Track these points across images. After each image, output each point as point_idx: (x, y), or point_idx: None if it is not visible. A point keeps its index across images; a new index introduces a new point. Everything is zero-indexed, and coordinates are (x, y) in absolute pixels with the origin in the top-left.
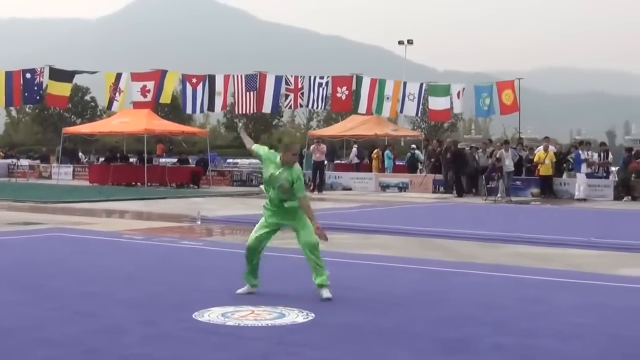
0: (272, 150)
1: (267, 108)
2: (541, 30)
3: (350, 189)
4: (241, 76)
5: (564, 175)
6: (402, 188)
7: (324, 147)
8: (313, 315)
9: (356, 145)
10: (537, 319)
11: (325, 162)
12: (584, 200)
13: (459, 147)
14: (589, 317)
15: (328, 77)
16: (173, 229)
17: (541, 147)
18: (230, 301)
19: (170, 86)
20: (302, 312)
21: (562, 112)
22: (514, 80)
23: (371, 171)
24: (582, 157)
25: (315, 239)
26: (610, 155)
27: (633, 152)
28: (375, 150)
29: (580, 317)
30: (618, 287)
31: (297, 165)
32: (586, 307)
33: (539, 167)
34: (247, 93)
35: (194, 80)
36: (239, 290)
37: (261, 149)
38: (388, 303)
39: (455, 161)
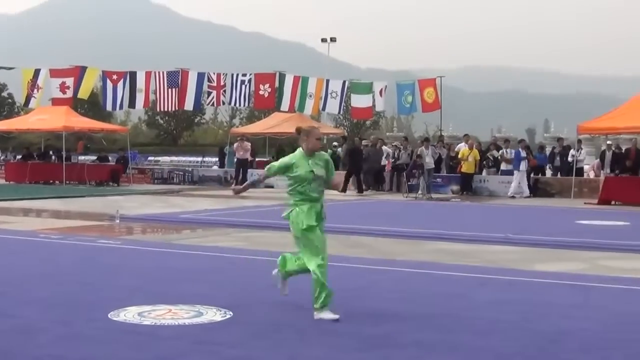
0: (293, 155)
1: (189, 105)
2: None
3: (272, 187)
4: (163, 73)
5: (484, 173)
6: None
7: (247, 144)
8: (231, 313)
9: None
10: (456, 315)
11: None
12: (529, 196)
13: (360, 143)
14: (507, 313)
15: (251, 74)
16: (91, 227)
17: (464, 144)
18: (147, 300)
19: (90, 83)
20: (220, 311)
21: (483, 110)
22: (435, 79)
23: None
24: (522, 155)
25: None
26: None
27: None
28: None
29: (498, 313)
30: (534, 283)
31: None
32: (504, 303)
33: (461, 164)
34: (169, 90)
35: (115, 77)
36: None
37: (277, 163)
38: (307, 300)
39: (352, 158)
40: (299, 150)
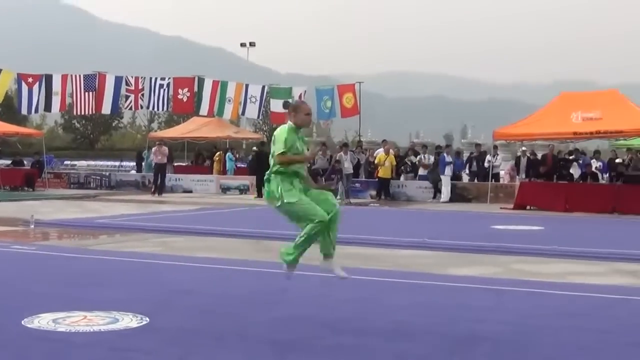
0: (282, 129)
1: (106, 109)
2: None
3: (190, 192)
4: (79, 76)
5: (402, 178)
6: (243, 190)
7: (165, 149)
8: (148, 319)
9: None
10: (369, 319)
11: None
12: (448, 202)
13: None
14: (419, 316)
15: (169, 78)
16: (5, 233)
17: (381, 150)
18: (62, 307)
19: (4, 85)
20: (137, 317)
21: (402, 115)
22: (354, 84)
23: (212, 173)
24: (447, 160)
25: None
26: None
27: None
28: (217, 153)
29: (410, 316)
30: (448, 286)
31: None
32: (416, 306)
33: (378, 169)
34: (86, 93)
35: (30, 80)
36: (338, 273)
37: (285, 144)
38: (224, 306)
39: (258, 162)
40: (289, 125)
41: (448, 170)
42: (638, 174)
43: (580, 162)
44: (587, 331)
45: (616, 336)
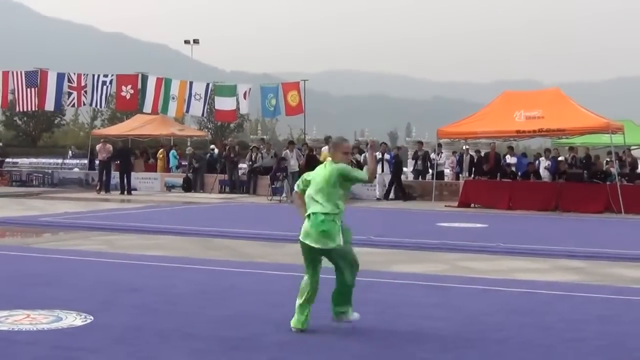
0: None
1: (49, 106)
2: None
3: (135, 189)
4: (21, 72)
5: None
6: (188, 187)
7: (110, 147)
8: (92, 318)
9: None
10: (315, 317)
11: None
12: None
13: (127, 146)
14: (365, 314)
15: (112, 75)
16: None
17: (326, 147)
18: (4, 305)
19: None
20: (81, 315)
21: (347, 113)
22: (299, 82)
23: (156, 171)
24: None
25: None
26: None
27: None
28: (161, 150)
29: (361, 313)
30: (393, 284)
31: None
32: (362, 304)
33: None
34: (28, 90)
35: None
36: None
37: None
38: (169, 304)
39: (121, 159)
40: (329, 163)
41: (387, 169)
42: (580, 172)
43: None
44: (531, 327)
45: (559, 332)
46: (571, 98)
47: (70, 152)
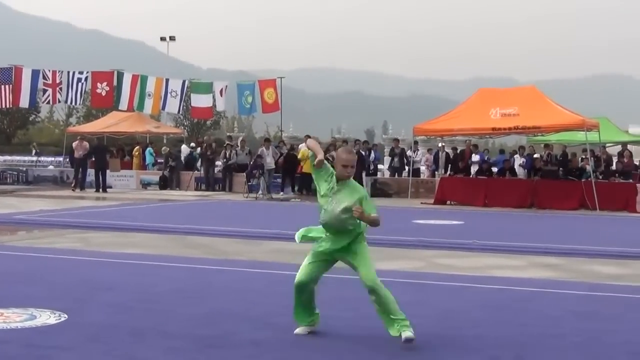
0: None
1: (24, 103)
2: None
3: (110, 187)
4: None
5: None
6: (164, 185)
7: (86, 144)
8: (66, 316)
9: None
10: (290, 314)
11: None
12: None
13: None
14: (341, 310)
15: (88, 72)
16: None
17: (304, 145)
18: None
19: None
20: (55, 314)
21: (323, 111)
22: (275, 79)
23: (132, 169)
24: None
25: (373, 278)
26: (374, 152)
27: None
28: (136, 148)
29: (333, 310)
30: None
31: (352, 181)
32: (339, 301)
33: (302, 164)
34: (2, 87)
35: None
36: (296, 331)
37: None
38: (145, 302)
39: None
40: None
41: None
42: (555, 169)
43: (479, 157)
44: (508, 324)
45: (535, 328)
46: (547, 95)
47: (33, 150)
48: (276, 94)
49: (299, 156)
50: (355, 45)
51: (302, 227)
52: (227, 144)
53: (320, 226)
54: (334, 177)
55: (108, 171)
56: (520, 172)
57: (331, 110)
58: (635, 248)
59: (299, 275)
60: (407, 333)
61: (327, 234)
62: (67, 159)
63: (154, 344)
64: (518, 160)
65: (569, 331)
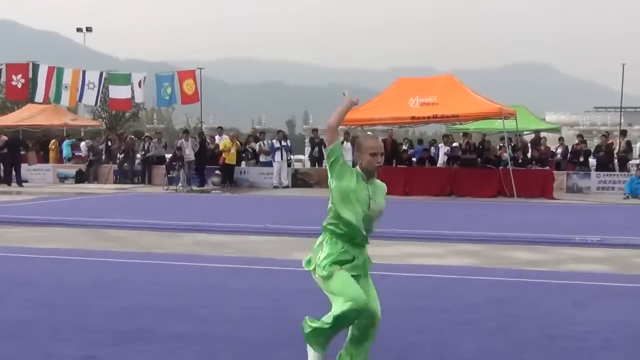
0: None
1: None
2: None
3: (26, 181)
4: None
5: (243, 164)
6: (81, 179)
7: (5, 138)
8: None
9: None
10: (213, 306)
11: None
12: (287, 187)
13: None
14: (262, 302)
15: (2, 64)
16: None
17: (226, 136)
18: None
19: None
20: None
21: (243, 101)
22: (195, 70)
23: (48, 162)
24: (276, 146)
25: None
26: (289, 143)
27: None
28: (53, 141)
29: (254, 302)
30: (292, 271)
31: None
32: (260, 292)
33: (223, 156)
34: None
35: None
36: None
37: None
38: (62, 297)
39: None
40: (355, 169)
41: (278, 156)
42: (473, 158)
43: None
44: (426, 311)
45: (453, 315)
46: (464, 84)
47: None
48: (195, 85)
49: (221, 147)
50: (276, 35)
51: (222, 218)
52: (146, 135)
53: (328, 239)
54: (357, 174)
55: (25, 165)
56: (444, 160)
57: (251, 101)
58: (551, 234)
59: (356, 293)
60: None
61: (345, 245)
62: None
63: (71, 339)
64: (443, 149)
65: (486, 317)
